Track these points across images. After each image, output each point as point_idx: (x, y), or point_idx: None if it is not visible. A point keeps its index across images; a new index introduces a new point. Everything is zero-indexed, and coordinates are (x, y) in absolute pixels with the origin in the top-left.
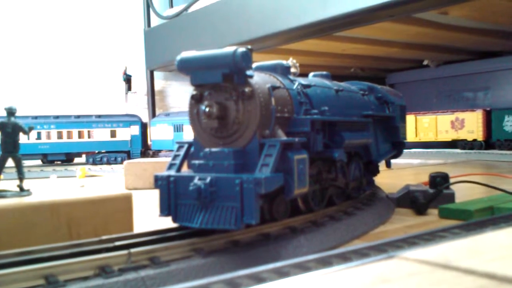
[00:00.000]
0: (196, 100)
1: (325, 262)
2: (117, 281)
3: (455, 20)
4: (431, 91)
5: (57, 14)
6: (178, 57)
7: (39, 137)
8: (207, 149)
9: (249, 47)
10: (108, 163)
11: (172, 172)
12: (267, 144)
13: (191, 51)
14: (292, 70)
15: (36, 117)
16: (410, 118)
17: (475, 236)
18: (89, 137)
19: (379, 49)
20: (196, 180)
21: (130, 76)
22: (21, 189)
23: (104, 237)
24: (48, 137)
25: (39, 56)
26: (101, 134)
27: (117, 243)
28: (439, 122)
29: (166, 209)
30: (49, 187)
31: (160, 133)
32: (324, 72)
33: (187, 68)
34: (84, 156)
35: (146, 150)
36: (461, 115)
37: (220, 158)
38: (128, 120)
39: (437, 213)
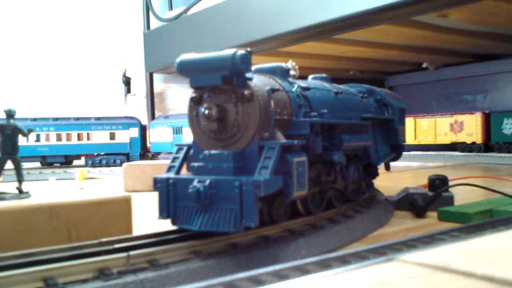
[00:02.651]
0: (195, 102)
1: (324, 265)
2: (116, 284)
3: (454, 23)
4: (430, 94)
5: (57, 16)
6: (178, 60)
7: (38, 139)
8: (206, 152)
9: (249, 49)
10: (107, 165)
11: (171, 175)
12: (266, 146)
13: (191, 54)
14: (292, 72)
15: (35, 119)
16: (409, 121)
17: (474, 239)
18: (88, 139)
19: (378, 51)
20: (195, 183)
21: (130, 78)
22: (20, 191)
23: (103, 240)
24: (47, 139)
25: (39, 58)
26: (100, 137)
27: (116, 246)
28: (438, 124)
29: (165, 211)
30: (48, 189)
31: (159, 135)
32: (324, 75)
33: (187, 70)
34: (83, 158)
35: (145, 153)
36: (460, 117)
37: (219, 160)
38: (127, 122)
39: (436, 216)
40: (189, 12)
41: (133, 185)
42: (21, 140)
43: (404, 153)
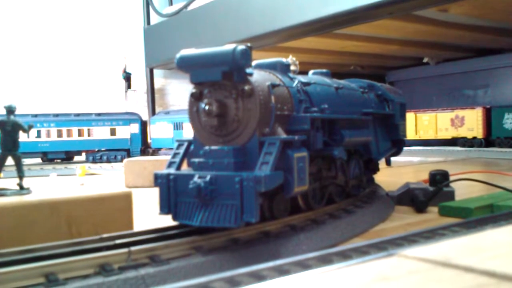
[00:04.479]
0: (195, 98)
1: (325, 260)
2: (117, 279)
3: (454, 18)
4: (431, 89)
5: (57, 12)
6: (178, 55)
7: (39, 135)
8: (207, 147)
9: (249, 45)
10: (108, 161)
11: (172, 170)
12: (267, 142)
13: (191, 49)
14: (292, 68)
15: (36, 115)
16: (410, 116)
17: (475, 234)
18: (89, 135)
19: (379, 46)
20: (196, 178)
21: (130, 74)
22: (21, 187)
23: (104, 235)
24: (48, 135)
25: (39, 55)
26: (101, 132)
27: (117, 241)
28: (439, 119)
29: (166, 207)
30: (49, 185)
31: (160, 131)
32: (324, 70)
33: (187, 66)
34: (84, 154)
35: (146, 148)
36: (461, 112)
37: (220, 156)
38: (128, 118)
39: (437, 211)
40: (189, 8)
41: (134, 181)
42: (22, 136)
43: (405, 148)
